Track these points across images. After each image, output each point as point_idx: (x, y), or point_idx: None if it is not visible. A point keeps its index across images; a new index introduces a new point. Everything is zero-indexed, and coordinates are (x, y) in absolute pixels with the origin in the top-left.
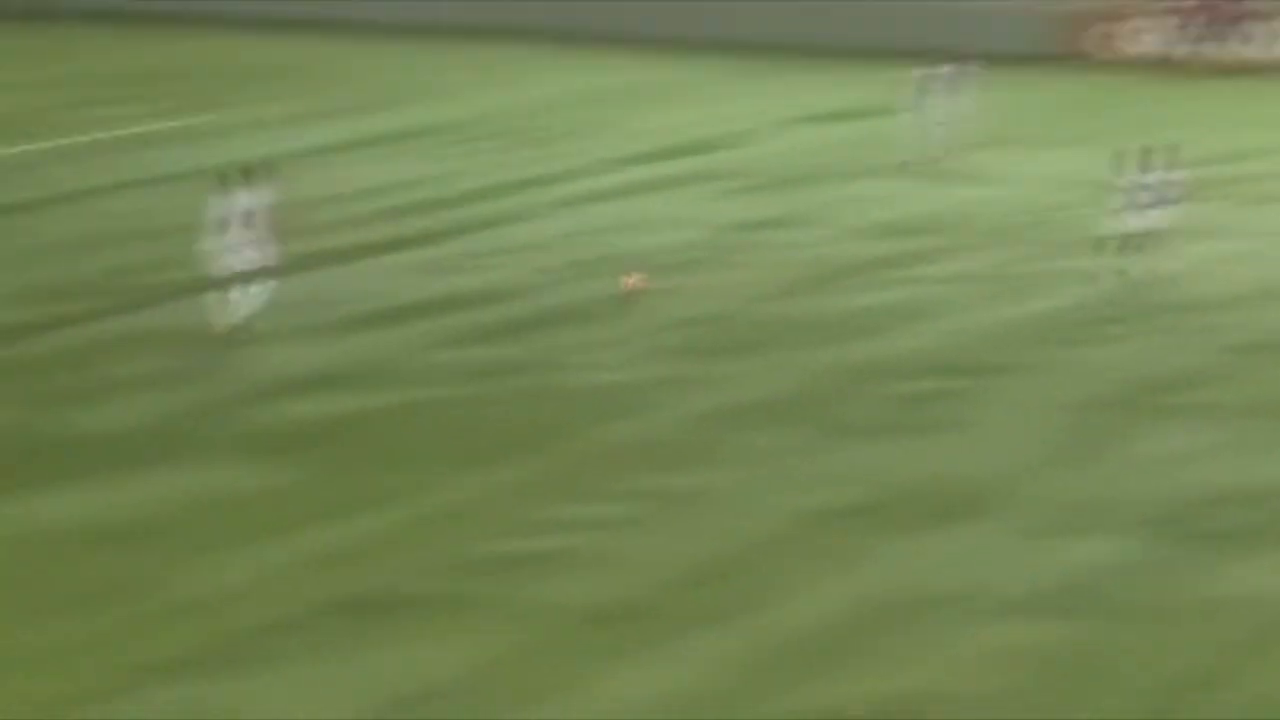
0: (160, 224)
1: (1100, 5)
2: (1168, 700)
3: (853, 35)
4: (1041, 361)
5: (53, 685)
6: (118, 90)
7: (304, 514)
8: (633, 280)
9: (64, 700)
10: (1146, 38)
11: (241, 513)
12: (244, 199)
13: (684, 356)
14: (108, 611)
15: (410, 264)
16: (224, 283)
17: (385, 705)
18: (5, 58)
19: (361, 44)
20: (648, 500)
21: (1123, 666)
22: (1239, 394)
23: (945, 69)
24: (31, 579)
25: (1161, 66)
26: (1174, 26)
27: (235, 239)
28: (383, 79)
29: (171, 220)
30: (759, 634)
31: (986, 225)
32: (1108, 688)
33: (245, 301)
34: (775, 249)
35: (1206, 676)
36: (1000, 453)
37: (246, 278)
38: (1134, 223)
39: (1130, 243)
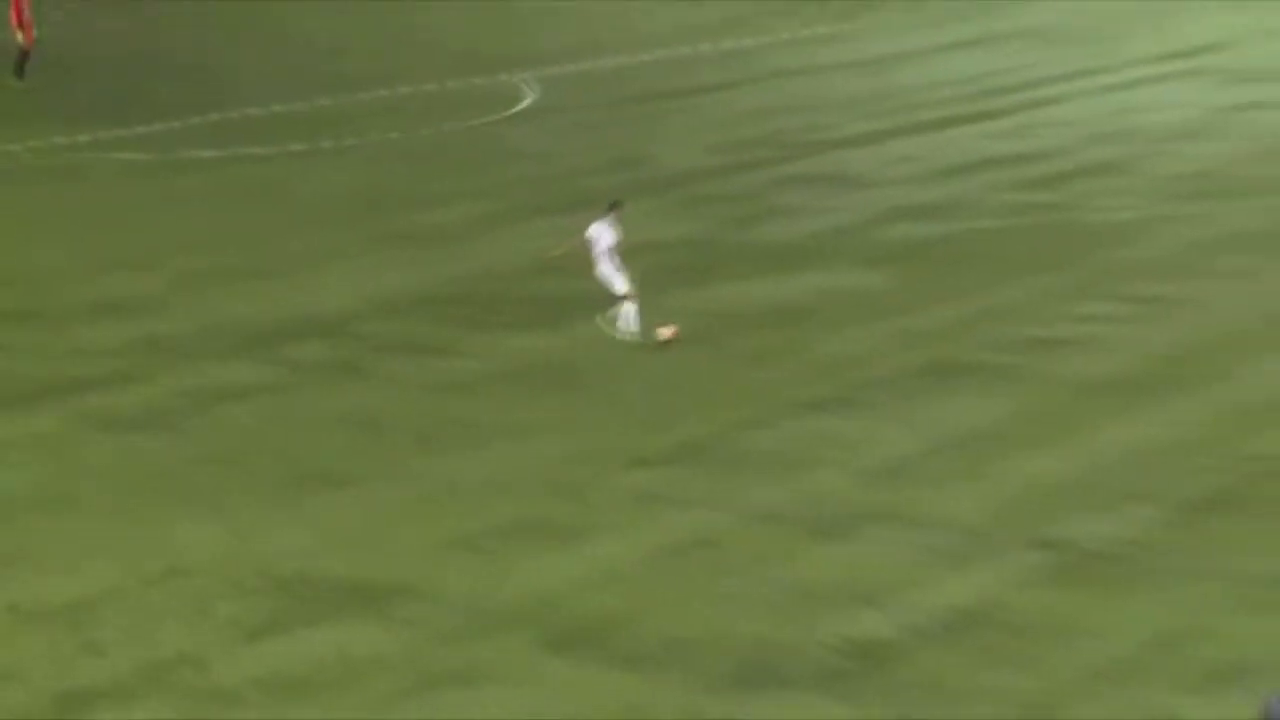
0: (812, 101)
1: None
2: None
3: None
4: None
5: (731, 412)
6: (794, 4)
7: (903, 305)
8: (667, 333)
9: (734, 425)
10: None
11: (863, 302)
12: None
13: (1179, 200)
14: (775, 365)
15: (981, 133)
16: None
17: (950, 441)
18: None
19: None
20: (1144, 304)
21: None
22: None
23: None
24: (721, 341)
25: None
26: None
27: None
28: None
29: (819, 98)
30: (1221, 399)
31: None
32: None
33: (628, 317)
34: (1255, 126)
35: None
36: None
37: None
38: None
39: None
